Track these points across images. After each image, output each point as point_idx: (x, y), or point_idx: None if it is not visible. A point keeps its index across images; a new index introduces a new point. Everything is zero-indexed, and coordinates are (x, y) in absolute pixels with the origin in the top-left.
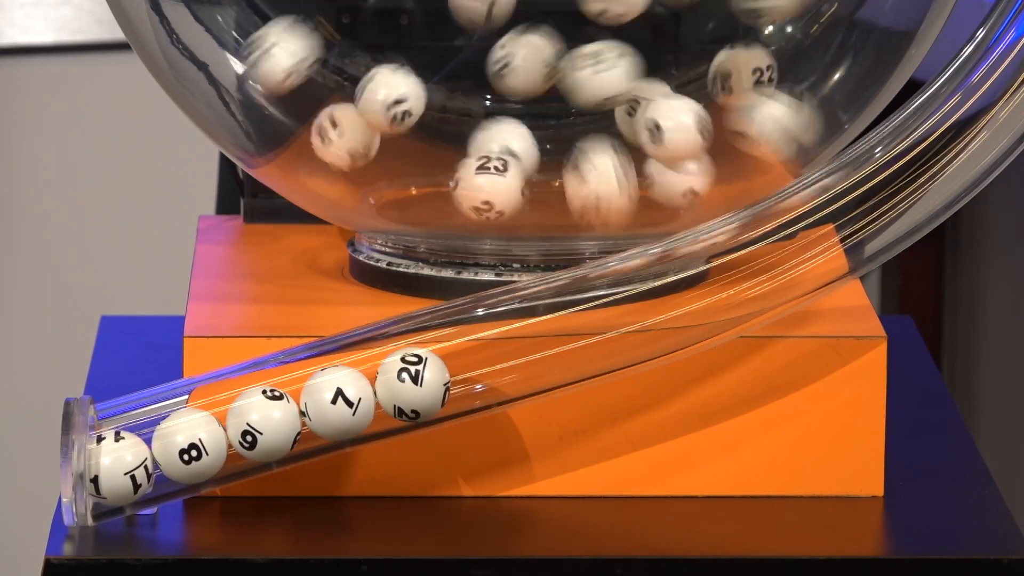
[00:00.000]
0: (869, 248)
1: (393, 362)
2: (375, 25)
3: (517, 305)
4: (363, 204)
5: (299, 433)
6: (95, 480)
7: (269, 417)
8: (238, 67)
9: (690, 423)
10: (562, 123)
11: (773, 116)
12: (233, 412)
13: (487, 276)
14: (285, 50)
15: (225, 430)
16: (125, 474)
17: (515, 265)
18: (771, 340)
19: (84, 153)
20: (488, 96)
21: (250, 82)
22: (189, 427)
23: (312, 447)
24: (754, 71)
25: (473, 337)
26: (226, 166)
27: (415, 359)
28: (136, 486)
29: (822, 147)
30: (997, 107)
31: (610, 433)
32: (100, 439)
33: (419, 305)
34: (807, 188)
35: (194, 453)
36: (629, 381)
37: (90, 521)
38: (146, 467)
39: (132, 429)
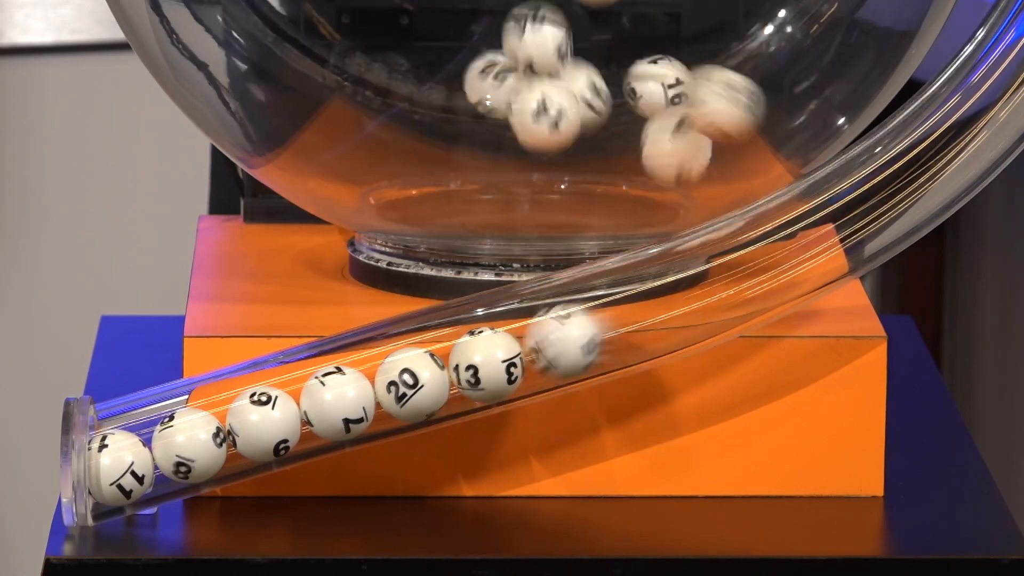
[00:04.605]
0: (869, 248)
1: (391, 373)
2: (375, 25)
3: (517, 305)
4: (363, 204)
5: (284, 442)
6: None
7: (248, 421)
8: (239, 67)
9: (690, 423)
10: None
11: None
12: (228, 412)
13: (487, 276)
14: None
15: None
16: (111, 484)
17: (515, 265)
18: (771, 340)
19: (84, 153)
20: (488, 96)
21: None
22: (189, 426)
23: (312, 447)
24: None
25: None
26: (223, 166)
27: (412, 382)
28: (126, 493)
29: (823, 147)
30: (997, 107)
31: (610, 433)
32: (89, 447)
33: (419, 305)
34: (807, 188)
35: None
36: (629, 381)
37: (90, 521)
38: (133, 472)
39: (132, 429)
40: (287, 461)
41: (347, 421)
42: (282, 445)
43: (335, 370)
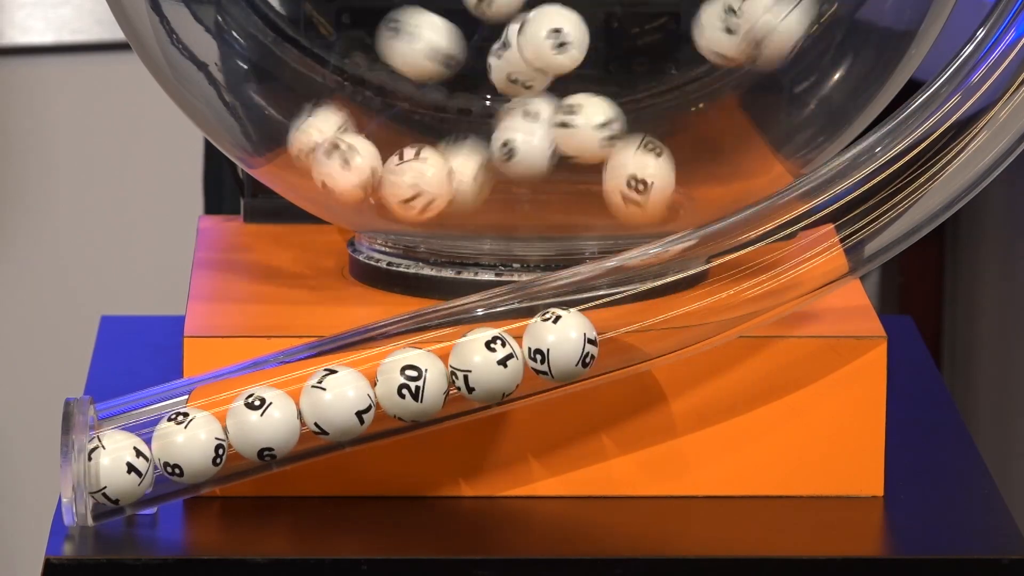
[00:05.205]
0: (869, 248)
1: (394, 377)
2: (375, 25)
3: (517, 305)
4: (363, 204)
5: (269, 449)
6: (101, 488)
7: (237, 423)
8: (238, 66)
9: (690, 423)
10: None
11: None
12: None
13: (487, 276)
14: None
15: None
16: (110, 484)
17: (515, 265)
18: (771, 340)
19: (84, 153)
20: (488, 96)
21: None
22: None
23: (312, 447)
24: None
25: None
26: (223, 168)
27: (415, 374)
28: (140, 476)
29: (822, 147)
30: (997, 107)
31: (610, 433)
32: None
33: (419, 305)
34: (807, 188)
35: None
36: (629, 381)
37: (90, 521)
38: (144, 457)
39: (132, 429)
40: (287, 461)
41: (359, 413)
42: (267, 452)
43: (327, 372)
